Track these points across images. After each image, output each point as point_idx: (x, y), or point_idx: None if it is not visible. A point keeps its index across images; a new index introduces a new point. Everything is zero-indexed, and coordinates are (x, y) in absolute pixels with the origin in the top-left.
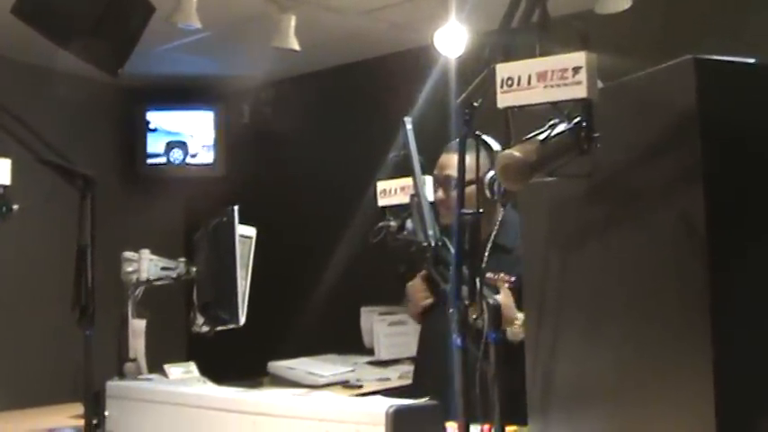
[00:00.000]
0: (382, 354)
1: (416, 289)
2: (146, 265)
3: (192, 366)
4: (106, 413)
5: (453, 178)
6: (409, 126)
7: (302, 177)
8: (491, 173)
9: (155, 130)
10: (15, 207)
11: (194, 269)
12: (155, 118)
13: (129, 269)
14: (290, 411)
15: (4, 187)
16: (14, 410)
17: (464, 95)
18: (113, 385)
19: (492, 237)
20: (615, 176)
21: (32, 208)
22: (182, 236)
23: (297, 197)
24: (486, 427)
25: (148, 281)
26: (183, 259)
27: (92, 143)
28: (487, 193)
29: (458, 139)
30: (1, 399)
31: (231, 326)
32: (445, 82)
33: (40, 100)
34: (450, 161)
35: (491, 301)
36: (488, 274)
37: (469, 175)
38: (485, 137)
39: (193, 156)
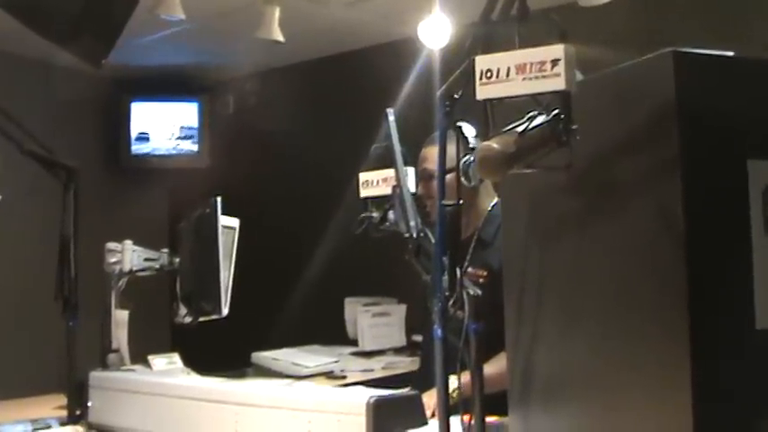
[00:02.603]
0: (366, 344)
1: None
2: (129, 255)
3: (176, 357)
4: (89, 404)
5: (431, 171)
6: (392, 117)
7: (287, 168)
8: (467, 158)
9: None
10: None
11: (177, 260)
12: (139, 109)
13: (113, 260)
14: (273, 402)
15: None
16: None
17: (444, 87)
18: (96, 376)
19: (477, 231)
20: (594, 168)
21: (15, 199)
22: (166, 226)
23: (281, 188)
24: (467, 417)
25: (131, 272)
26: (165, 250)
27: (76, 134)
28: (464, 180)
29: (435, 134)
30: None
31: (214, 317)
32: (429, 73)
33: (23, 91)
34: (428, 154)
35: (471, 293)
36: (469, 269)
37: (449, 165)
38: (465, 125)
39: (178, 146)
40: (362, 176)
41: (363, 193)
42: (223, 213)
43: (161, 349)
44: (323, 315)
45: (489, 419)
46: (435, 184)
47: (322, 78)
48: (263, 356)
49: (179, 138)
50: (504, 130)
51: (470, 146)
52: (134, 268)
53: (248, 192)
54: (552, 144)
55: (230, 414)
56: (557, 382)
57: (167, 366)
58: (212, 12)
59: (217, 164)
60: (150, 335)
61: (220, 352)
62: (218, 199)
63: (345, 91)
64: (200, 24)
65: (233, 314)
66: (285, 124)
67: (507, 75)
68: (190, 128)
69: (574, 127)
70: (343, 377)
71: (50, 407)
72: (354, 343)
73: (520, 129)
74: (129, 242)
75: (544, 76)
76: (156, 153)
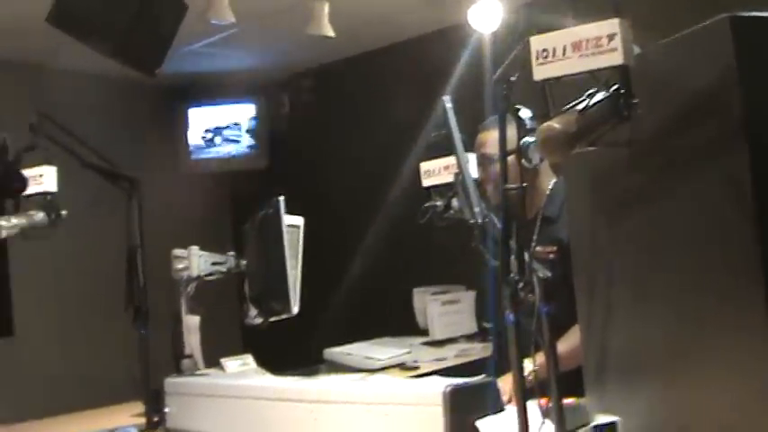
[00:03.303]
0: (437, 334)
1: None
2: (195, 261)
3: (249, 358)
4: (166, 410)
5: (489, 156)
6: (449, 105)
7: (346, 162)
8: (526, 140)
9: (198, 126)
10: (64, 213)
11: (244, 262)
12: (197, 114)
13: (180, 266)
14: (349, 397)
15: (52, 194)
16: (77, 412)
17: (500, 70)
18: (171, 382)
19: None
20: (657, 142)
21: (80, 213)
22: (230, 229)
23: (342, 182)
24: (544, 400)
25: (199, 277)
26: (232, 253)
27: (135, 145)
28: (524, 162)
29: (493, 117)
30: (63, 401)
31: (284, 316)
32: (481, 58)
33: (81, 105)
34: (485, 139)
35: (541, 275)
36: (537, 248)
37: (508, 148)
38: (522, 108)
39: (237, 148)
40: (424, 166)
41: (426, 182)
42: (286, 212)
43: (234, 352)
44: (392, 307)
45: (566, 401)
46: (495, 168)
47: (374, 71)
48: (336, 352)
49: (237, 140)
50: (565, 109)
51: (528, 128)
52: (202, 273)
53: (310, 189)
54: (613, 120)
55: (307, 412)
56: (632, 362)
57: (241, 368)
58: (262, 12)
59: (276, 163)
60: (222, 338)
61: (292, 350)
62: (281, 198)
63: (399, 82)
64: (250, 26)
65: (303, 312)
66: (341, 119)
67: (564, 53)
68: (247, 129)
69: (634, 101)
70: (417, 368)
71: (128, 415)
72: (425, 333)
73: (580, 107)
74: (195, 248)
75: (601, 52)
76: (216, 157)
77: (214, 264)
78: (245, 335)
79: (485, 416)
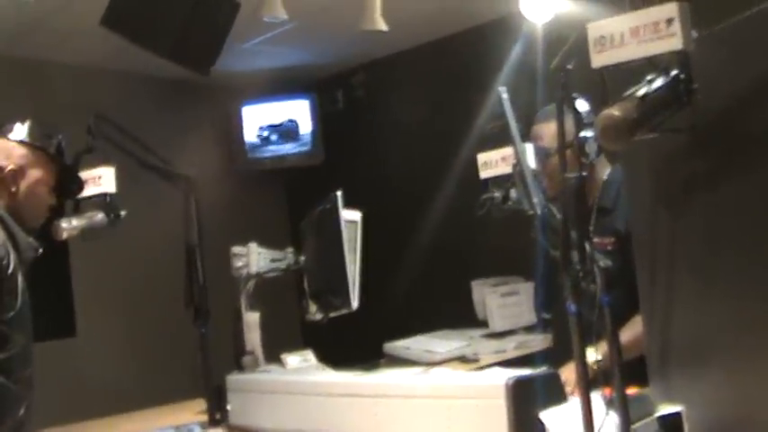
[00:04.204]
0: (496, 325)
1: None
2: (254, 258)
3: (310, 354)
4: (228, 407)
5: (546, 149)
6: (505, 95)
7: (402, 156)
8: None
9: (253, 124)
10: (123, 213)
11: (303, 258)
12: (251, 112)
13: (239, 264)
14: (411, 391)
15: (111, 195)
16: (139, 411)
17: (557, 59)
18: (233, 379)
19: (597, 200)
20: (719, 127)
21: (139, 213)
22: (287, 226)
23: (398, 176)
24: (608, 390)
25: (258, 274)
26: (290, 249)
27: (191, 144)
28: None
29: (547, 108)
30: (125, 400)
31: (343, 311)
32: (535, 48)
33: (137, 106)
34: (540, 131)
35: (602, 265)
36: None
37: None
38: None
39: (292, 145)
40: (481, 157)
41: (483, 173)
42: (344, 207)
43: (294, 347)
44: (451, 299)
45: (630, 391)
46: (552, 161)
47: (427, 64)
48: (395, 346)
49: (292, 137)
50: (624, 96)
51: (584, 120)
52: (261, 270)
53: (366, 183)
54: (674, 106)
55: (368, 407)
56: (697, 348)
57: (301, 364)
58: (314, 8)
59: (332, 159)
60: (283, 334)
61: (353, 345)
62: (339, 194)
63: (453, 74)
64: (303, 22)
65: (363, 306)
66: (396, 112)
67: (621, 40)
68: (302, 126)
69: (694, 86)
70: (477, 360)
71: (192, 412)
72: (485, 325)
73: (640, 93)
74: (253, 245)
75: (659, 38)
76: (271, 154)
77: (273, 260)
78: (306, 331)
79: (548, 408)
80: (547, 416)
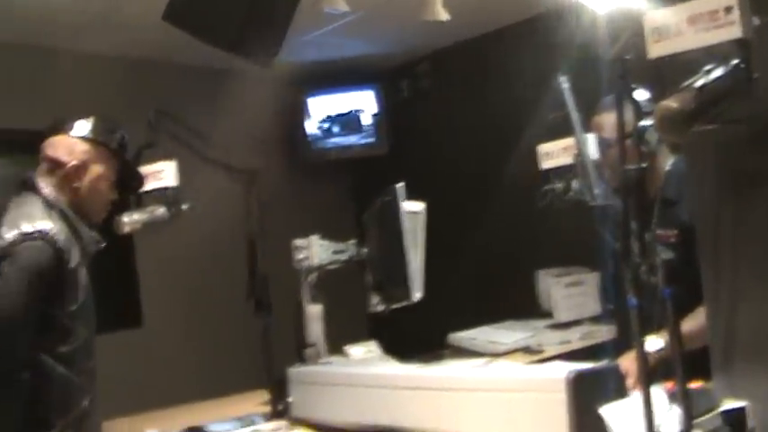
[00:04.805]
0: (561, 316)
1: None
2: (316, 250)
3: (374, 345)
4: (290, 399)
5: (607, 139)
6: (566, 85)
7: (466, 146)
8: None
9: (317, 116)
10: (185, 206)
11: (365, 250)
12: (315, 103)
13: (301, 256)
14: (471, 384)
15: (173, 189)
16: (203, 401)
17: (615, 50)
18: (295, 371)
19: (660, 192)
20: None
21: (202, 206)
22: (352, 217)
23: (461, 166)
24: (670, 384)
25: (320, 266)
26: (353, 241)
27: (255, 136)
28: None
29: (608, 98)
30: (190, 390)
31: (405, 303)
32: (596, 37)
33: (200, 100)
34: (601, 121)
35: (663, 257)
36: (659, 231)
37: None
38: (637, 89)
39: (357, 136)
40: (542, 148)
41: (544, 164)
42: (407, 199)
43: (359, 339)
44: (515, 290)
45: (692, 385)
46: (612, 152)
47: (490, 53)
48: (460, 337)
49: (357, 128)
50: (682, 87)
51: (644, 110)
52: (322, 262)
53: (430, 174)
54: (733, 97)
55: (429, 399)
56: (763, 342)
57: (365, 355)
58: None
59: (396, 150)
60: (348, 325)
61: (417, 336)
62: (400, 186)
63: (514, 63)
64: (364, 13)
65: (427, 297)
66: (459, 102)
67: (679, 29)
68: (367, 116)
69: (755, 76)
70: (541, 351)
71: (254, 403)
72: (549, 315)
73: (698, 84)
74: (315, 237)
75: (718, 26)
76: (336, 145)
77: (335, 252)
78: (370, 322)
79: (608, 402)
80: (607, 410)
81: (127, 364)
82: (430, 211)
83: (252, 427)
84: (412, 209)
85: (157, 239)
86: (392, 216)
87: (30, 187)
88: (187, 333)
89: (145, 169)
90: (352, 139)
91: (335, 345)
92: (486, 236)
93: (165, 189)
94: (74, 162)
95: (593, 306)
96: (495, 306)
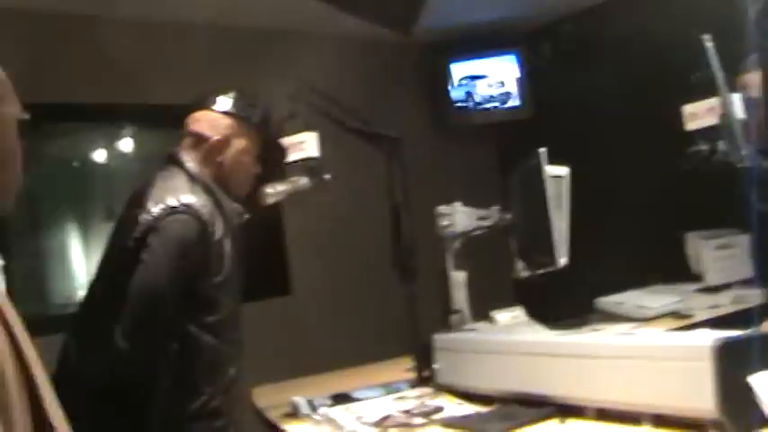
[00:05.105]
0: (712, 279)
1: None
2: (459, 217)
3: (520, 311)
4: (435, 366)
5: (754, 98)
6: (709, 44)
7: (609, 108)
8: None
9: (460, 81)
10: (327, 177)
11: (508, 216)
12: (458, 69)
13: (444, 223)
14: (615, 351)
15: (315, 159)
16: (350, 368)
17: (764, 4)
18: (440, 338)
19: None
20: None
21: (344, 175)
22: (497, 182)
23: (608, 129)
24: None
25: (464, 232)
26: (496, 207)
27: (395, 103)
28: None
29: (754, 56)
30: (337, 357)
31: (550, 269)
32: None
33: (343, 70)
34: (748, 80)
35: None
36: None
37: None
38: None
39: (499, 100)
40: (687, 109)
41: (690, 125)
42: (551, 163)
43: (506, 304)
44: (663, 253)
45: None
46: (760, 111)
47: (634, 13)
48: (607, 301)
49: (501, 92)
50: None
51: None
52: (466, 228)
53: (575, 137)
54: None
55: (571, 367)
56: None
57: (511, 321)
58: None
59: (541, 113)
60: (494, 290)
61: (564, 300)
62: (543, 150)
63: (658, 23)
64: None
65: (575, 261)
66: (603, 64)
67: None
68: (510, 81)
69: None
70: (690, 316)
71: (400, 370)
72: (698, 279)
73: None
74: (458, 204)
75: None
76: (480, 110)
77: (479, 219)
78: (518, 287)
79: (758, 371)
80: (756, 380)
81: (277, 330)
82: (575, 175)
83: (397, 394)
84: (556, 173)
85: (304, 209)
86: (535, 181)
87: (174, 161)
88: (334, 300)
89: (287, 140)
90: (496, 104)
91: (482, 310)
92: (633, 198)
93: (307, 160)
94: (217, 137)
95: (743, 269)
96: (643, 270)
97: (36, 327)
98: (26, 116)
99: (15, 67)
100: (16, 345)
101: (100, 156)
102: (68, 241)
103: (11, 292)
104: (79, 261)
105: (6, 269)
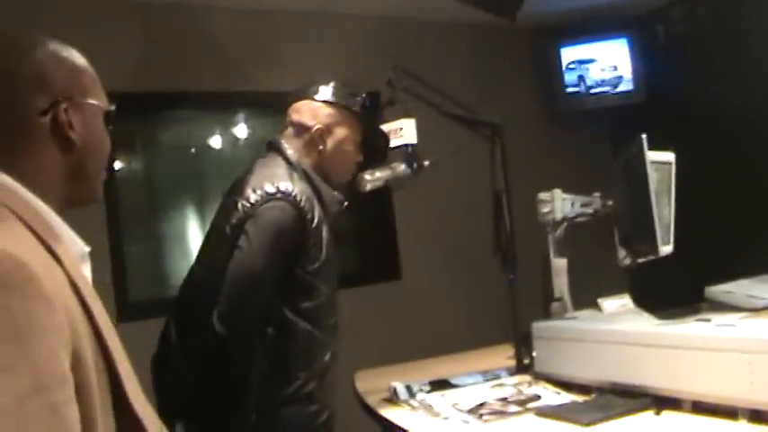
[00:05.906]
0: None
1: None
2: (559, 204)
3: (627, 299)
4: (535, 354)
5: None
6: None
7: (723, 92)
8: None
9: (567, 65)
10: (426, 163)
11: (609, 203)
12: (568, 53)
13: (545, 210)
14: (712, 343)
15: (413, 145)
16: (453, 354)
17: None
18: (539, 326)
19: None
20: None
21: (445, 161)
22: (608, 169)
23: (720, 113)
24: None
25: (565, 219)
26: (597, 194)
27: (500, 89)
28: None
29: None
30: (442, 343)
31: (651, 257)
32: None
33: (448, 57)
34: None
35: None
36: None
37: None
38: None
39: (611, 84)
40: None
41: None
42: (662, 148)
43: (616, 291)
44: None
45: None
46: None
47: None
48: (717, 290)
49: (612, 76)
50: None
51: None
52: (567, 215)
53: (688, 122)
54: None
55: (669, 358)
56: None
57: (619, 309)
58: None
59: (653, 98)
60: (605, 278)
61: (674, 289)
62: (644, 136)
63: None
64: None
65: (684, 249)
66: (716, 46)
67: None
68: (622, 65)
69: None
70: None
71: (501, 357)
72: None
73: None
74: (558, 191)
75: None
76: (592, 94)
77: (583, 206)
78: (627, 275)
79: None
80: None
81: (388, 314)
82: (687, 160)
83: (496, 381)
84: (660, 159)
85: (411, 195)
86: (637, 167)
87: (275, 149)
88: (440, 286)
89: (385, 127)
90: (607, 89)
91: (589, 298)
92: (747, 184)
93: (406, 146)
94: (318, 126)
95: None
96: (756, 258)
97: (154, 309)
98: (112, 108)
99: (132, 58)
100: (100, 337)
101: (215, 142)
102: (186, 225)
103: (123, 274)
104: (197, 244)
105: (119, 254)
